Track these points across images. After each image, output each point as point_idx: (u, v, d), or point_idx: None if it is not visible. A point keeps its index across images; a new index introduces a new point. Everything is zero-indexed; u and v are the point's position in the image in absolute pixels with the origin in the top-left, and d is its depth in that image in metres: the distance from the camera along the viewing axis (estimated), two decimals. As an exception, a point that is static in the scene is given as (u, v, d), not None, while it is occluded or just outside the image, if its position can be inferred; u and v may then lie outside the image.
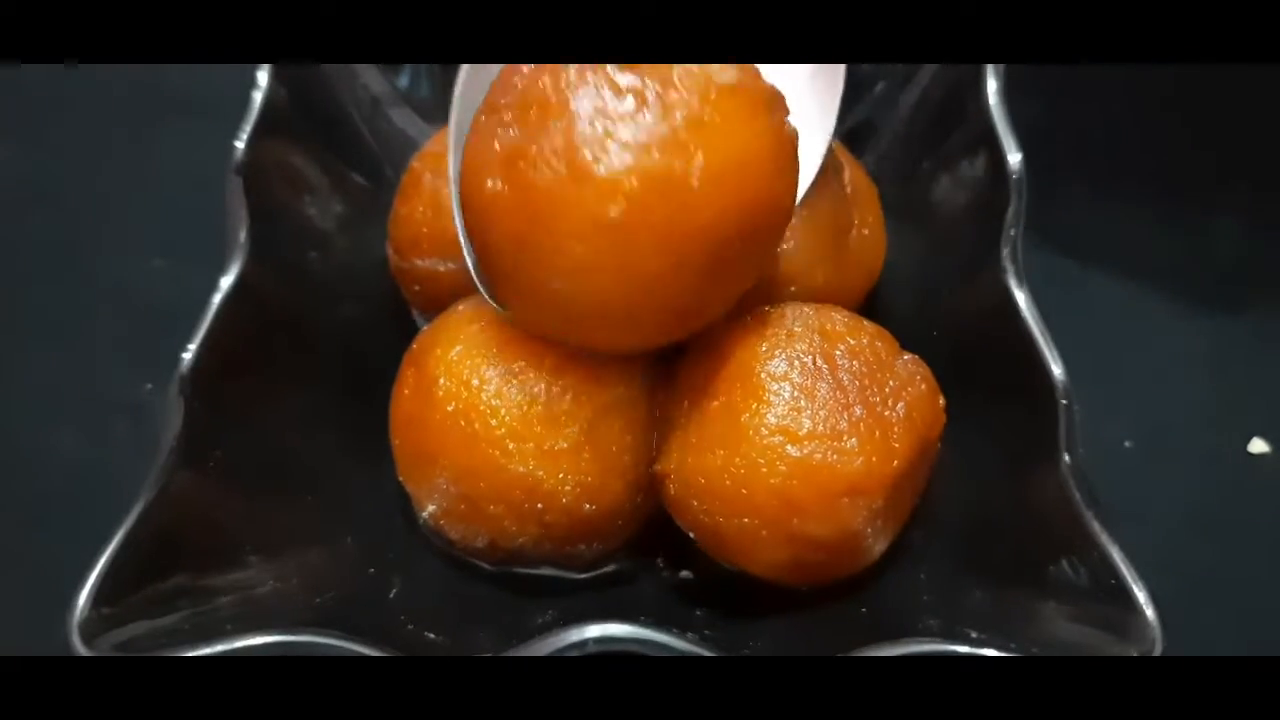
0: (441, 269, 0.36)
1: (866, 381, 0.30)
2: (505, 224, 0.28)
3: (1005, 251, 0.32)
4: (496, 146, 0.27)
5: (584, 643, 0.26)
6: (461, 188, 0.30)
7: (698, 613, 0.32)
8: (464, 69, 0.33)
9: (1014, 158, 0.34)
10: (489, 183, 0.27)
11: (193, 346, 0.31)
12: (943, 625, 0.29)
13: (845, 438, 0.29)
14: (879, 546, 0.31)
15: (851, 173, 0.37)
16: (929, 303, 0.37)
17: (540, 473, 0.30)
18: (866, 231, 0.36)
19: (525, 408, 0.30)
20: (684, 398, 0.31)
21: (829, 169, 0.35)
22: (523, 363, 0.31)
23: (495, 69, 0.30)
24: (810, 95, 0.35)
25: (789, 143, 0.29)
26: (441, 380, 0.31)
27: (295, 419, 0.34)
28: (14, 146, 0.49)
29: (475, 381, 0.31)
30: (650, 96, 0.26)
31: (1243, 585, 0.37)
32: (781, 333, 0.30)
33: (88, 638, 0.25)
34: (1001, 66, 0.36)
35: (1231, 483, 0.39)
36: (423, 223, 0.36)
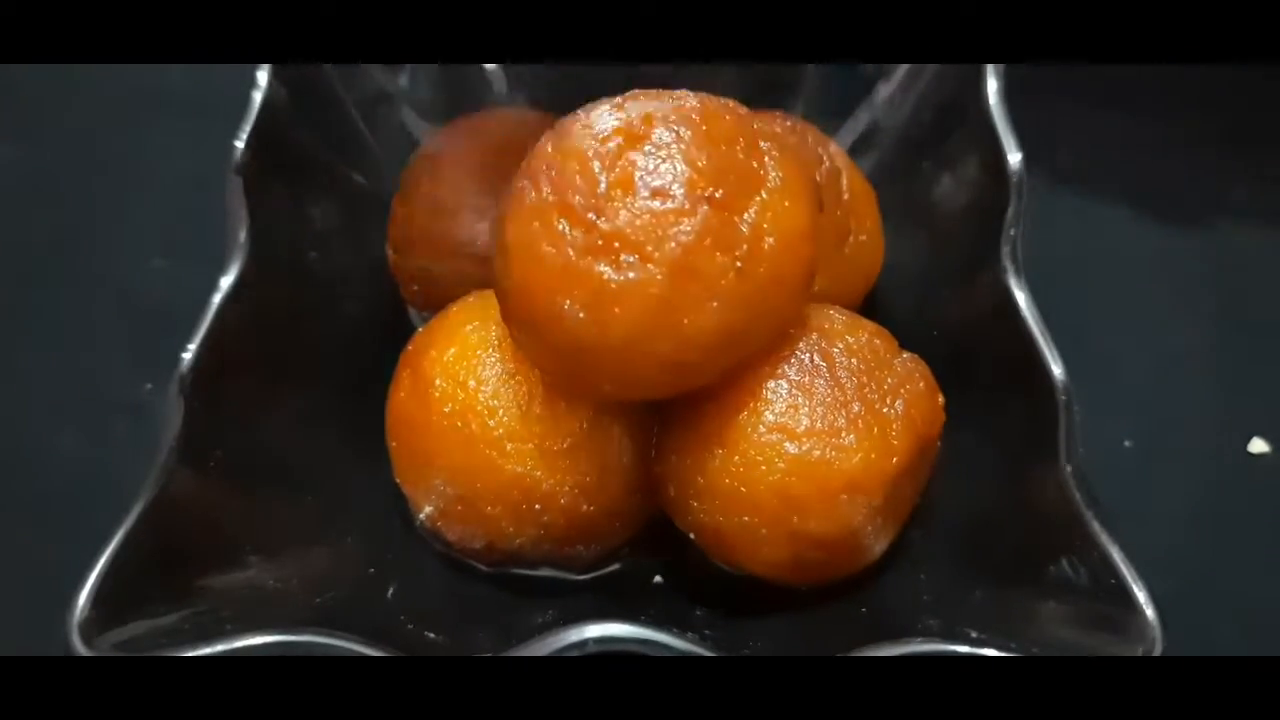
0: (439, 269, 0.36)
1: (865, 379, 0.30)
2: (576, 344, 0.27)
3: (1005, 251, 0.32)
4: (583, 272, 0.27)
5: (584, 643, 0.26)
6: (515, 263, 0.28)
7: (698, 613, 0.32)
8: None
9: (1014, 158, 0.34)
10: (566, 304, 0.27)
11: (193, 346, 0.31)
12: (943, 625, 0.29)
13: (844, 434, 0.29)
14: (879, 545, 0.31)
15: (850, 178, 0.36)
16: (929, 303, 0.37)
17: (538, 473, 0.30)
18: (864, 238, 0.36)
19: (523, 408, 0.30)
20: (682, 397, 0.31)
21: (828, 176, 0.35)
22: (520, 363, 0.31)
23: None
24: None
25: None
26: (438, 381, 0.31)
27: (295, 419, 0.34)
28: (14, 146, 0.49)
29: (472, 383, 0.31)
30: (740, 254, 0.27)
31: (1243, 585, 0.37)
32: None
33: (88, 638, 0.25)
34: (1001, 66, 0.36)
35: (1231, 483, 0.39)
36: (421, 223, 0.36)
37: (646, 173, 0.27)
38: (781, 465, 0.29)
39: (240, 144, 0.34)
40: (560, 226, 0.27)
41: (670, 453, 0.31)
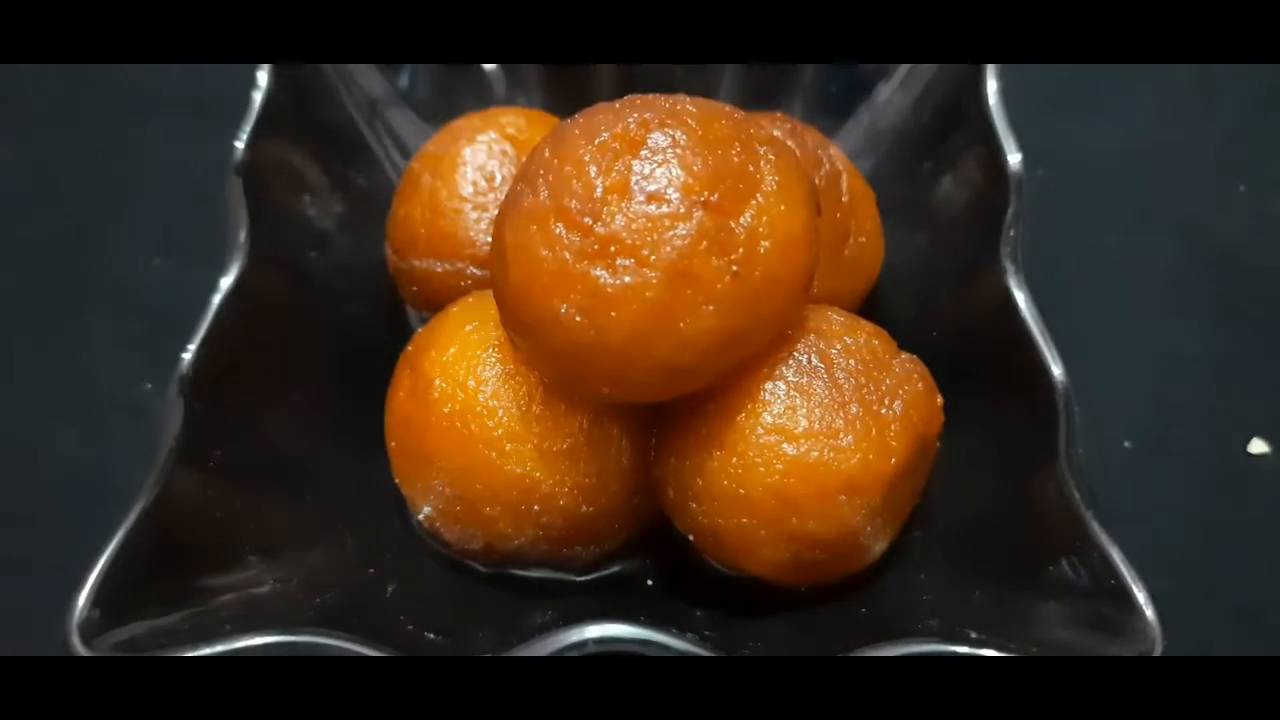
0: (439, 269, 0.36)
1: (863, 380, 0.30)
2: (574, 348, 0.27)
3: (1005, 251, 0.32)
4: (579, 276, 0.27)
5: (584, 643, 0.26)
6: (512, 266, 0.28)
7: (698, 613, 0.32)
8: None
9: (1014, 158, 0.34)
10: (563, 307, 0.27)
11: (193, 346, 0.31)
12: (943, 625, 0.29)
13: (842, 435, 0.29)
14: (878, 545, 0.31)
15: (850, 180, 0.36)
16: (928, 303, 0.37)
17: (537, 474, 0.30)
18: (864, 239, 0.36)
19: (522, 409, 0.30)
20: (680, 399, 0.31)
21: (827, 178, 0.35)
22: (519, 363, 0.31)
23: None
24: None
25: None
26: (438, 382, 0.31)
27: (295, 419, 0.34)
28: (14, 146, 0.49)
29: (472, 383, 0.31)
30: (735, 258, 0.27)
31: (1243, 585, 0.37)
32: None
33: (88, 638, 0.25)
34: (1001, 66, 0.36)
35: (1231, 483, 0.39)
36: (421, 223, 0.36)
37: (642, 177, 0.27)
38: (780, 467, 0.29)
39: (240, 144, 0.34)
40: (557, 230, 0.27)
41: (669, 455, 0.31)
